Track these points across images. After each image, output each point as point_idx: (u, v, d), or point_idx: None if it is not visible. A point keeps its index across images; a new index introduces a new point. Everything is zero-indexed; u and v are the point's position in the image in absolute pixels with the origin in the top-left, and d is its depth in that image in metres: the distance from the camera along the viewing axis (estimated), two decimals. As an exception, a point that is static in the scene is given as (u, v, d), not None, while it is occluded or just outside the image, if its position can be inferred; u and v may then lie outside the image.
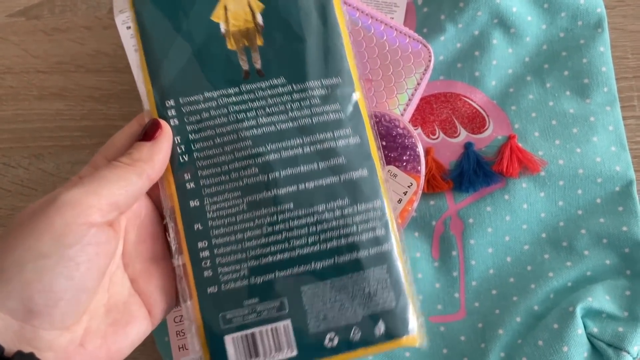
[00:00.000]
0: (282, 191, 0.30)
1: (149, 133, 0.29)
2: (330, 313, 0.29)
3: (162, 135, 0.29)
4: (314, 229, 0.29)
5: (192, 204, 0.29)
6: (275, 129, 0.30)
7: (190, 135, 0.30)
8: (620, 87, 0.44)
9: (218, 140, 0.30)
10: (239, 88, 0.30)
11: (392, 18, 0.45)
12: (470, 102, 0.44)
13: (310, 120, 0.30)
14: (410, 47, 0.41)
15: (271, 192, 0.30)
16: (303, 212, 0.30)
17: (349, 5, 0.42)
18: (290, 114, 0.30)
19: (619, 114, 0.42)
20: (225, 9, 0.30)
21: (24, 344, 0.24)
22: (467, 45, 0.44)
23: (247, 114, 0.30)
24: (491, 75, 0.43)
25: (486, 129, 0.43)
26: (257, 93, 0.30)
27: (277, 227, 0.29)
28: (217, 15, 0.30)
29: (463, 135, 0.43)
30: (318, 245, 0.29)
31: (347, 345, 0.29)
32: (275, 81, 0.30)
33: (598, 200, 0.41)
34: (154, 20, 0.30)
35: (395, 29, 0.41)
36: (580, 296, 0.38)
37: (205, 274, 0.29)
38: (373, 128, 0.31)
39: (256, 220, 0.29)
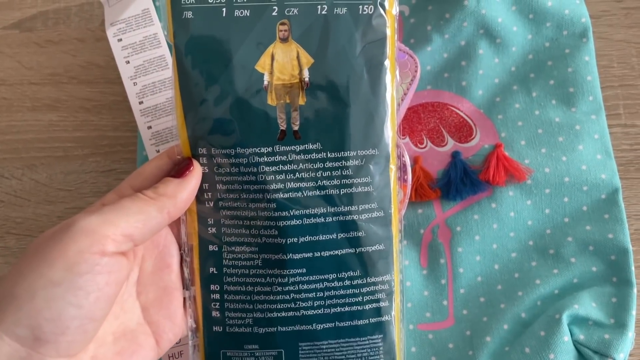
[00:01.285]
0: (298, 256, 0.30)
1: (180, 170, 0.29)
2: None
3: (191, 174, 0.29)
4: (322, 294, 0.30)
5: (210, 247, 0.30)
6: (302, 195, 0.29)
7: (218, 185, 0.30)
8: (606, 95, 0.45)
9: (244, 195, 0.29)
10: (273, 148, 0.29)
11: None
12: (458, 111, 0.44)
13: (338, 191, 0.30)
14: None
15: (286, 256, 0.29)
16: (314, 278, 0.30)
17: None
18: (319, 182, 0.29)
19: (604, 122, 0.43)
20: (272, 58, 0.28)
21: None
22: (453, 56, 0.44)
23: (277, 176, 0.29)
24: (478, 85, 0.44)
25: (473, 138, 0.43)
26: (290, 156, 0.29)
27: (286, 288, 0.30)
28: (262, 65, 0.28)
29: (450, 144, 0.44)
30: (322, 309, 0.30)
31: None
32: (310, 146, 0.29)
33: (584, 208, 0.41)
34: (194, 58, 0.28)
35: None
36: (567, 303, 0.39)
37: (213, 314, 0.31)
38: (398, 201, 0.31)
39: (268, 277, 0.30)
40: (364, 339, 0.31)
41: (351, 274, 0.30)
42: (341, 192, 0.30)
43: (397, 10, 0.29)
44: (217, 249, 0.30)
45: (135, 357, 0.28)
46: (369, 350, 0.31)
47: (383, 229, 0.30)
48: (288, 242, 0.29)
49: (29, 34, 0.49)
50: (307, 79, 0.29)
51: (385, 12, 0.29)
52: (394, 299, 0.31)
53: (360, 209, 0.30)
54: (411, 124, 0.44)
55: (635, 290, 0.39)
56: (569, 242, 0.41)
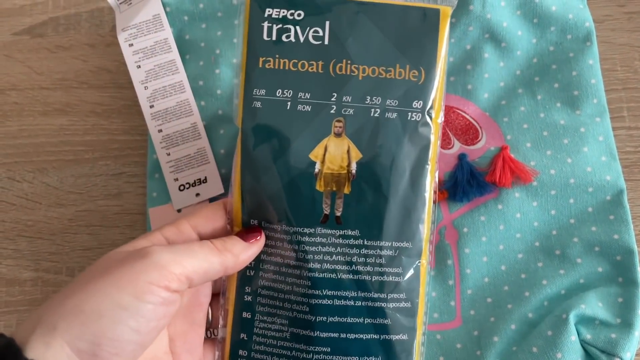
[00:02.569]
0: (324, 334, 0.31)
1: (247, 235, 0.32)
2: None
3: (257, 244, 0.32)
4: None
5: (244, 314, 0.32)
6: (336, 277, 0.31)
7: (262, 255, 0.32)
8: (610, 98, 0.45)
9: (283, 269, 0.32)
10: (315, 230, 0.31)
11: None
12: (464, 114, 0.45)
13: (370, 278, 0.32)
14: (403, 62, 0.42)
15: (314, 333, 0.31)
16: (337, 358, 0.31)
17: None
18: (353, 267, 0.31)
19: (608, 124, 0.43)
20: (326, 150, 0.31)
21: None
22: (459, 60, 0.45)
23: (315, 256, 0.31)
24: (483, 88, 0.45)
25: (479, 140, 0.44)
26: (330, 239, 0.31)
27: None
28: (316, 155, 0.31)
29: (457, 147, 0.44)
30: None
31: None
32: (349, 232, 0.31)
33: (590, 209, 0.42)
34: (257, 142, 0.31)
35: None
36: (574, 303, 0.39)
37: None
38: (426, 294, 0.33)
39: (294, 351, 0.31)
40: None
41: (372, 359, 0.32)
42: (373, 279, 0.32)
43: (443, 119, 0.32)
44: (249, 316, 0.32)
45: None
46: None
47: (408, 319, 0.32)
48: (317, 319, 0.31)
49: (39, 39, 0.50)
50: (354, 171, 0.31)
51: (431, 121, 0.32)
52: (415, 321, 0.32)
53: (389, 297, 0.32)
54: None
55: (641, 290, 0.39)
56: (575, 243, 0.41)
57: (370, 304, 0.31)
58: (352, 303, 0.31)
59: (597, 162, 0.42)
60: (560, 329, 0.38)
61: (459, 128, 0.44)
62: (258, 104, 0.31)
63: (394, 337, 0.32)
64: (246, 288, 0.32)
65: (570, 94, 0.44)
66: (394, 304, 0.32)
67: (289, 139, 0.31)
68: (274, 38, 0.31)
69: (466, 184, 0.43)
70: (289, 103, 0.31)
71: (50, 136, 0.48)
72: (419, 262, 0.32)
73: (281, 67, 0.31)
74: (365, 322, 0.31)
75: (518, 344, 0.39)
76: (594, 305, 0.39)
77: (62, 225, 0.46)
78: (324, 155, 0.31)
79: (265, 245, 0.32)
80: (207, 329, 0.34)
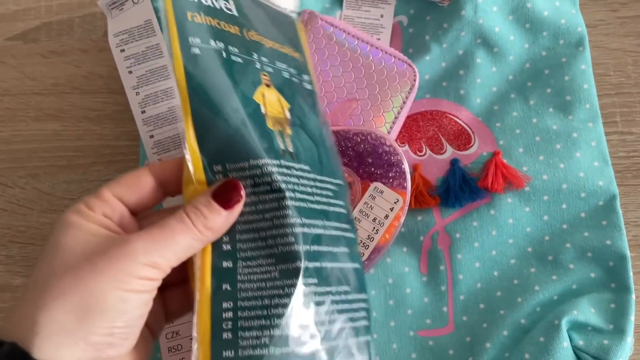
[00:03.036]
0: (311, 265, 0.30)
1: (228, 198, 0.29)
2: None
3: (239, 206, 0.29)
4: (329, 308, 0.31)
5: (224, 264, 0.30)
6: (306, 206, 0.31)
7: None
8: (603, 103, 0.45)
9: (260, 206, 0.30)
10: (279, 162, 0.31)
11: (379, 39, 0.46)
12: (456, 119, 0.45)
13: (328, 208, 0.32)
14: (395, 67, 0.42)
15: (302, 264, 0.30)
16: (321, 290, 0.30)
17: (336, 27, 0.43)
18: (316, 197, 0.32)
19: (601, 129, 0.43)
20: (263, 95, 0.33)
21: None
22: (451, 65, 0.45)
23: (287, 185, 0.30)
24: (476, 93, 0.45)
25: (472, 146, 0.44)
26: (293, 171, 0.31)
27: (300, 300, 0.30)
28: (258, 97, 0.32)
29: (449, 152, 0.44)
30: (329, 325, 0.31)
31: None
32: (303, 166, 0.32)
33: (582, 215, 0.42)
34: (204, 88, 0.30)
35: (381, 50, 0.43)
36: (566, 309, 0.39)
37: (224, 335, 0.29)
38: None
39: (286, 288, 0.29)
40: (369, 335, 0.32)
41: (344, 288, 0.31)
42: (329, 209, 0.32)
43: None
44: (231, 265, 0.30)
45: (144, 348, 0.30)
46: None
47: (357, 249, 0.34)
48: (303, 249, 0.30)
49: (32, 44, 0.50)
50: (289, 117, 0.33)
51: (317, 94, 0.37)
52: (371, 319, 0.33)
53: (342, 227, 0.33)
54: (410, 132, 0.45)
55: (633, 296, 0.39)
56: (568, 249, 0.41)
57: (334, 232, 0.32)
58: (322, 232, 0.31)
59: (589, 167, 0.42)
60: (553, 335, 0.38)
61: (452, 133, 0.44)
62: (197, 50, 0.31)
63: (351, 266, 0.32)
64: (223, 237, 0.30)
65: (563, 99, 0.44)
66: (348, 234, 0.33)
67: (233, 83, 0.31)
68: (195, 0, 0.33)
69: (458, 189, 0.43)
70: (223, 52, 0.32)
71: (43, 142, 0.48)
72: (347, 193, 0.35)
73: (207, 23, 0.32)
74: (334, 250, 0.32)
75: (510, 350, 0.39)
76: (587, 311, 0.39)
77: (54, 231, 0.46)
78: (263, 99, 0.32)
79: None
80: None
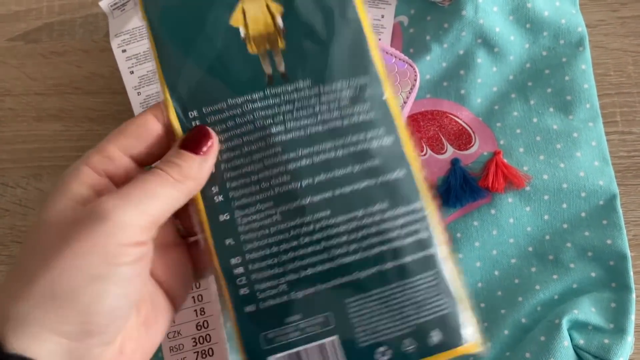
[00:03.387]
0: (318, 198, 0.28)
1: (197, 144, 0.27)
2: (379, 326, 0.27)
3: (212, 150, 0.27)
4: (354, 236, 0.28)
5: (221, 218, 0.28)
6: (305, 133, 0.28)
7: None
8: (603, 103, 0.45)
9: (246, 148, 0.28)
10: (264, 92, 0.28)
11: (380, 39, 0.46)
12: (457, 119, 0.45)
13: (340, 123, 0.28)
14: (396, 67, 0.42)
15: (306, 200, 0.28)
16: (341, 219, 0.28)
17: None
18: (319, 117, 0.28)
19: (601, 129, 0.43)
20: (244, 12, 0.29)
21: None
22: (452, 65, 0.45)
23: (275, 118, 0.28)
24: (476, 93, 0.45)
25: (472, 145, 0.44)
26: (284, 97, 0.28)
27: (315, 237, 0.28)
28: (236, 20, 0.29)
29: (450, 152, 0.44)
30: (359, 253, 0.28)
31: (401, 358, 0.27)
32: (301, 84, 0.29)
33: (583, 214, 0.42)
34: (169, 29, 0.29)
35: (382, 50, 0.43)
36: (567, 308, 0.39)
37: (242, 291, 0.27)
38: (407, 127, 0.29)
39: (292, 230, 0.28)
40: (415, 277, 0.28)
41: (379, 207, 0.28)
42: (344, 123, 0.28)
43: None
44: (228, 217, 0.28)
45: (158, 322, 0.28)
46: (425, 291, 0.28)
47: (397, 154, 0.29)
48: (304, 184, 0.28)
49: (34, 45, 0.50)
50: (281, 26, 0.29)
51: None
52: (433, 230, 0.28)
53: (368, 136, 0.28)
54: (411, 131, 0.45)
55: (634, 295, 0.39)
56: (568, 248, 0.41)
57: (352, 149, 0.28)
58: (334, 155, 0.28)
59: (590, 167, 0.42)
60: (553, 335, 0.38)
61: (452, 133, 0.44)
62: None
63: (391, 176, 0.28)
64: (213, 189, 0.28)
65: (563, 98, 0.44)
66: (376, 142, 0.28)
67: (201, 14, 0.29)
68: None
69: (459, 189, 0.43)
70: None
71: (44, 142, 0.48)
72: (384, 95, 0.29)
73: None
74: (355, 170, 0.28)
75: (511, 350, 0.39)
76: (587, 310, 0.39)
77: (55, 231, 0.46)
78: (245, 19, 0.29)
79: (217, 131, 0.28)
80: (185, 238, 0.30)
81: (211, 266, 0.28)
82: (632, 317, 0.39)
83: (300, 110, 0.28)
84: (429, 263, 0.28)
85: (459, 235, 0.42)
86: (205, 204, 0.28)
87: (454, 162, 0.44)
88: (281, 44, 0.29)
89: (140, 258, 0.25)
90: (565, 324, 0.38)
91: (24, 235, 0.26)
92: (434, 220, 0.28)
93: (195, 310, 0.41)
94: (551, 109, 0.44)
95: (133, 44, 0.44)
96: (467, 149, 0.44)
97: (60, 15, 0.51)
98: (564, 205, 0.42)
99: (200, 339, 0.40)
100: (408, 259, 0.28)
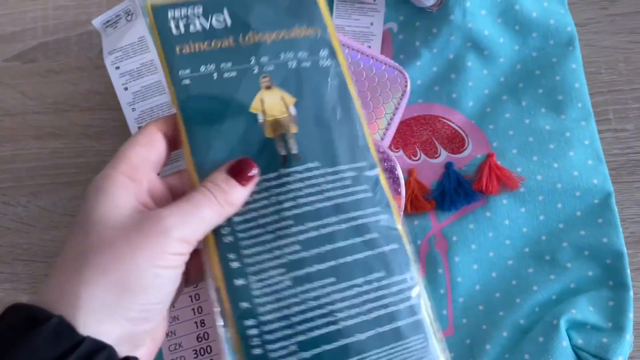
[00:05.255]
0: (324, 266, 0.31)
1: (243, 172, 0.31)
2: None
3: (253, 181, 0.31)
4: (356, 300, 0.31)
5: (237, 282, 0.31)
6: (313, 208, 0.32)
7: (234, 217, 0.31)
8: (595, 101, 0.45)
9: (261, 221, 0.31)
10: (278, 172, 0.32)
11: (369, 46, 0.46)
12: (449, 123, 0.45)
13: (343, 200, 0.32)
14: (386, 74, 0.43)
15: (314, 267, 0.31)
16: (344, 285, 0.31)
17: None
18: (325, 194, 0.32)
19: (594, 128, 0.43)
20: (262, 101, 0.33)
21: (129, 345, 0.28)
22: (442, 69, 0.45)
23: (287, 195, 0.32)
24: (468, 97, 0.45)
25: (465, 149, 0.44)
26: (295, 176, 0.32)
27: (321, 301, 0.31)
28: (255, 107, 0.33)
29: (443, 156, 0.44)
30: (360, 317, 0.31)
31: None
32: (310, 165, 0.32)
33: (578, 213, 0.42)
34: (197, 114, 0.33)
35: (372, 57, 0.43)
36: (564, 309, 0.39)
37: (255, 352, 0.30)
38: (394, 201, 0.34)
39: (301, 295, 0.31)
40: (408, 339, 0.31)
41: (377, 275, 0.31)
42: (347, 200, 0.32)
43: (349, 58, 0.36)
44: (244, 282, 0.31)
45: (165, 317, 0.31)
46: (415, 352, 0.31)
47: (391, 228, 0.33)
48: (312, 253, 0.31)
49: (30, 65, 0.51)
50: (293, 113, 0.33)
51: (339, 63, 0.35)
52: (420, 296, 0.32)
53: (367, 212, 0.32)
54: (404, 137, 0.45)
55: (631, 293, 0.40)
56: (564, 248, 0.41)
57: (353, 223, 0.32)
58: (337, 227, 0.32)
59: (583, 166, 0.42)
60: (552, 335, 0.38)
61: (445, 137, 0.45)
62: (187, 81, 0.33)
63: (387, 248, 0.32)
64: (230, 256, 0.31)
65: (555, 98, 0.44)
66: (374, 218, 0.32)
67: (225, 103, 0.33)
68: (182, 31, 0.34)
69: (454, 192, 0.43)
70: (215, 74, 0.33)
71: (44, 160, 0.49)
72: (377, 172, 0.34)
73: (197, 50, 0.34)
74: (356, 241, 0.32)
75: (510, 351, 0.40)
76: (585, 309, 0.39)
77: (57, 248, 0.46)
78: (262, 106, 0.33)
79: None
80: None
81: (226, 325, 0.31)
82: (631, 315, 0.39)
83: (309, 188, 0.32)
84: (420, 327, 0.31)
85: (455, 238, 0.43)
86: (223, 270, 0.31)
87: (448, 165, 0.44)
88: (294, 129, 0.33)
89: (182, 264, 0.29)
90: (563, 324, 0.38)
91: (71, 227, 0.28)
92: (420, 285, 0.32)
93: (196, 322, 0.42)
94: (543, 110, 0.44)
95: (126, 61, 0.45)
96: (460, 152, 0.44)
97: (55, 34, 0.51)
98: (559, 205, 0.42)
99: (202, 350, 0.41)
100: (402, 322, 0.31)
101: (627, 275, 0.40)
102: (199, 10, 0.34)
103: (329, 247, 0.31)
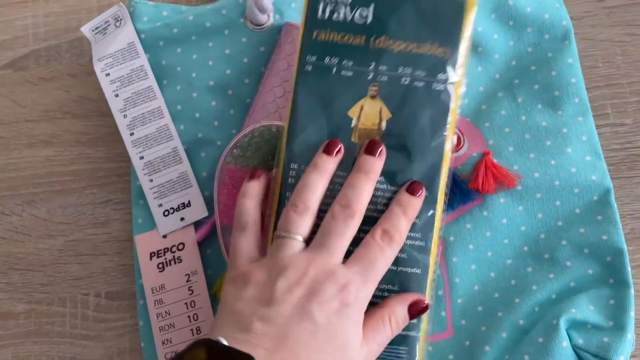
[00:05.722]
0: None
1: (373, 149, 0.36)
2: None
3: (384, 153, 0.37)
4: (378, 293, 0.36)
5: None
6: (367, 213, 0.35)
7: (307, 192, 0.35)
8: (593, 96, 0.45)
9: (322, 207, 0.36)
10: (347, 174, 0.36)
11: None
12: (445, 121, 0.44)
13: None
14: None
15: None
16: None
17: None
18: (377, 206, 0.36)
19: (591, 123, 0.43)
20: (362, 108, 0.37)
21: None
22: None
23: None
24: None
25: (461, 147, 0.44)
26: None
27: None
28: (354, 112, 0.37)
29: (439, 155, 0.44)
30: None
31: None
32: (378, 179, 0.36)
33: (577, 211, 0.41)
34: (307, 98, 0.37)
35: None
36: (564, 308, 0.39)
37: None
38: (439, 237, 0.37)
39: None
40: (390, 347, 0.35)
41: (390, 287, 0.36)
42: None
43: (464, 88, 0.38)
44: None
45: None
46: (393, 357, 0.36)
47: (422, 256, 0.36)
48: (349, 249, 0.35)
49: (22, 72, 0.50)
50: (383, 128, 0.37)
51: (453, 91, 0.37)
52: (422, 319, 0.36)
53: (408, 235, 0.36)
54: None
55: (632, 290, 0.39)
56: (564, 246, 0.41)
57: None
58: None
59: (581, 162, 0.42)
60: (552, 335, 0.38)
61: (441, 136, 0.44)
62: (309, 67, 0.37)
63: (409, 270, 0.36)
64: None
65: (551, 94, 0.43)
66: (411, 242, 0.36)
67: (332, 98, 0.37)
68: (326, 17, 0.37)
69: (450, 192, 0.42)
70: (334, 68, 0.37)
71: (37, 168, 0.48)
72: (434, 209, 0.36)
73: (330, 39, 0.37)
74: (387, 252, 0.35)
75: (510, 353, 0.39)
76: (585, 308, 0.38)
77: (52, 256, 0.46)
78: (360, 112, 0.37)
79: None
80: None
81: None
82: (632, 313, 0.38)
83: (372, 200, 0.36)
84: (407, 341, 0.36)
85: (452, 238, 0.42)
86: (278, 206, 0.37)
87: (444, 165, 0.43)
88: None
89: None
90: (563, 324, 0.38)
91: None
92: (425, 314, 0.36)
93: (192, 330, 0.41)
94: (539, 106, 0.43)
95: (116, 67, 0.44)
96: (456, 151, 0.44)
97: (46, 42, 0.51)
98: (558, 203, 0.42)
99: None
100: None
101: (627, 272, 0.39)
102: None
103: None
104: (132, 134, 0.44)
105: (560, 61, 0.43)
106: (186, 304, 0.41)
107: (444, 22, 0.37)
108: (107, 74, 0.44)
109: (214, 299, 0.42)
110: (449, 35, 0.37)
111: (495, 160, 0.42)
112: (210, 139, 0.44)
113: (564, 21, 0.44)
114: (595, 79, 0.45)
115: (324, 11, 0.37)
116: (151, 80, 0.44)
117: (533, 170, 0.42)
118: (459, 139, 0.44)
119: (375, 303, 0.35)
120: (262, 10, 0.42)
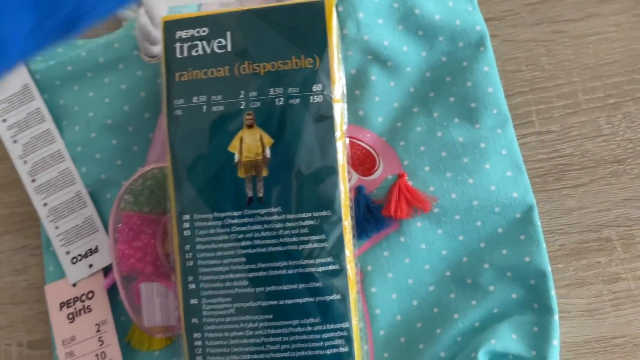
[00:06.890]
0: (265, 304, 0.35)
1: None
2: None
3: None
4: (287, 339, 0.35)
5: (192, 301, 0.35)
6: (266, 250, 0.35)
7: (197, 245, 0.35)
8: (517, 103, 0.42)
9: (219, 253, 0.35)
10: (242, 212, 0.35)
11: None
12: (360, 142, 0.42)
13: (297, 247, 0.35)
14: (279, 100, 0.40)
15: (256, 303, 0.35)
16: (280, 324, 0.35)
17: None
18: (280, 239, 0.35)
19: (512, 134, 0.40)
20: (241, 140, 0.35)
21: None
22: (346, 86, 0.42)
23: (245, 235, 0.35)
24: (376, 112, 0.42)
25: (376, 169, 0.41)
26: (256, 218, 0.35)
27: (257, 333, 0.35)
28: (234, 146, 0.36)
29: (355, 179, 0.41)
30: (288, 352, 0.35)
31: None
32: (272, 210, 0.35)
33: (500, 230, 0.39)
34: (183, 145, 0.36)
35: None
36: (484, 339, 0.36)
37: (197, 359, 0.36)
38: (354, 255, 0.36)
39: (241, 324, 0.35)
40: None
41: (312, 320, 0.35)
42: (299, 248, 0.35)
43: (345, 94, 0.37)
44: (197, 302, 0.35)
45: None
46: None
47: (339, 280, 0.35)
48: (257, 291, 0.35)
49: None
50: (268, 156, 0.35)
51: (332, 100, 0.36)
52: (353, 345, 0.35)
53: (317, 262, 0.35)
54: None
55: (556, 317, 0.37)
56: (486, 270, 0.38)
57: (300, 270, 0.35)
58: (285, 272, 0.35)
59: (501, 178, 0.39)
60: (470, 369, 0.36)
61: (356, 159, 0.42)
62: (179, 112, 0.36)
63: (328, 298, 0.35)
64: (189, 278, 0.35)
65: (467, 106, 0.40)
66: (323, 268, 0.35)
67: (208, 137, 0.35)
68: (185, 54, 0.36)
69: (363, 220, 0.40)
70: (204, 106, 0.36)
71: (-49, 218, 0.47)
72: (341, 226, 0.35)
73: (194, 78, 0.36)
74: (300, 287, 0.35)
75: (430, 388, 0.37)
76: (507, 338, 0.36)
77: (-29, 308, 0.45)
78: (241, 145, 0.35)
79: (200, 235, 0.35)
80: None
81: (181, 335, 0.36)
82: (555, 342, 0.36)
83: (267, 232, 0.35)
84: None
85: (369, 268, 0.40)
86: (182, 289, 0.36)
87: (358, 190, 0.41)
88: (265, 172, 0.35)
89: None
90: (482, 357, 0.36)
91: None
92: (356, 337, 0.35)
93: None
94: (456, 120, 0.40)
95: (12, 112, 0.43)
96: (371, 174, 0.41)
97: (-45, 84, 0.49)
98: (479, 223, 0.39)
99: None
100: None
101: (551, 297, 0.37)
102: (204, 31, 0.36)
103: (273, 288, 0.35)
104: (33, 181, 0.42)
105: (475, 70, 0.40)
106: (97, 355, 0.40)
107: (306, 32, 0.36)
108: (4, 120, 0.43)
109: (128, 347, 0.41)
110: (313, 43, 0.36)
111: (410, 183, 0.40)
112: (114, 179, 0.42)
113: (478, 26, 0.41)
114: (518, 84, 0.42)
115: (181, 50, 0.36)
116: (49, 123, 0.42)
117: (450, 191, 0.39)
118: (373, 160, 0.41)
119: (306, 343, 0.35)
120: (153, 42, 0.40)
